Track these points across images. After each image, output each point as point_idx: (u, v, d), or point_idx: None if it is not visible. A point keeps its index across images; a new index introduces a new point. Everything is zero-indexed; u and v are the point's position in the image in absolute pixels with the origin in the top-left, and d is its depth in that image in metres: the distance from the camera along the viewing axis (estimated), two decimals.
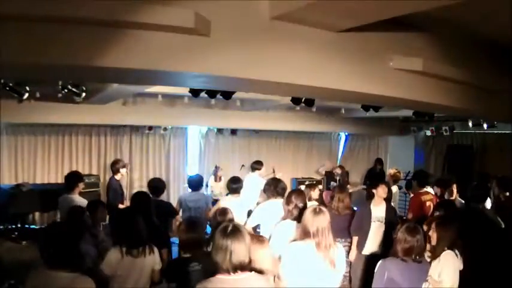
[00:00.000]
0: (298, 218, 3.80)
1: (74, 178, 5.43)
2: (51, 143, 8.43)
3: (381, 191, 5.33)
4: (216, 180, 8.34)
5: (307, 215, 3.30)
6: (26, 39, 2.21)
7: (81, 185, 5.41)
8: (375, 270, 3.37)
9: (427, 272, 3.32)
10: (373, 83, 3.48)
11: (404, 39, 3.59)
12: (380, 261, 3.39)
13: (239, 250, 2.35)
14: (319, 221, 3.22)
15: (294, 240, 3.48)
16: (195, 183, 6.00)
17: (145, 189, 5.87)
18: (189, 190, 6.02)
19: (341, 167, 10.01)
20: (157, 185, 5.47)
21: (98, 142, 8.86)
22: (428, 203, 5.53)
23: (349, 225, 5.31)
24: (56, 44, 2.28)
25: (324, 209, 3.36)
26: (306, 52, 3.06)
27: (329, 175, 10.42)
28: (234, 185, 5.57)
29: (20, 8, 2.08)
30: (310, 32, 3.02)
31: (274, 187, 4.79)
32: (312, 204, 4.31)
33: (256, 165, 7.79)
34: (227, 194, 7.76)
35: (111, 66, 2.46)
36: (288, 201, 4.03)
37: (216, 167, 8.61)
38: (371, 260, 4.53)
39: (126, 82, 4.68)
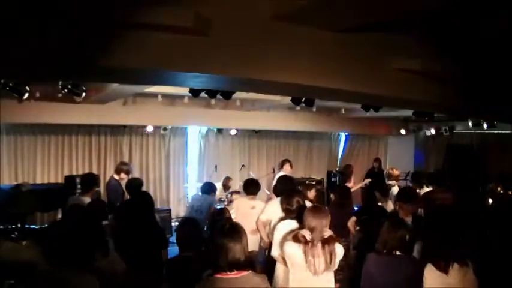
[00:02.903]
0: (297, 217, 3.85)
1: (91, 181, 5.40)
2: (51, 143, 8.43)
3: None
4: (225, 190, 8.25)
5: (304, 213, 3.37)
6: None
7: (95, 189, 5.38)
8: None
9: (407, 266, 3.32)
10: (373, 83, 3.48)
11: (404, 40, 3.59)
12: None
13: (235, 249, 2.37)
14: (313, 219, 3.26)
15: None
16: (204, 188, 6.36)
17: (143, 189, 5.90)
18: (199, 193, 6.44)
19: (348, 166, 9.89)
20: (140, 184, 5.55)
21: (98, 142, 8.85)
22: None
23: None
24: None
25: (320, 208, 3.39)
26: (306, 52, 3.06)
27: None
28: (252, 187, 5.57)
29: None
30: (310, 32, 3.02)
31: (284, 185, 4.82)
32: (306, 204, 4.33)
33: (283, 164, 8.18)
34: (230, 193, 7.84)
35: (112, 66, 2.46)
36: (289, 202, 4.03)
37: (227, 177, 8.52)
38: None
39: (127, 82, 4.68)
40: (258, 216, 4.72)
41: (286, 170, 7.99)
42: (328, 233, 3.31)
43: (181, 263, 3.27)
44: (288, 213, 4.01)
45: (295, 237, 3.33)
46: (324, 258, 3.19)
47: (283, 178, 5.34)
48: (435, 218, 3.90)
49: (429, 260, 3.18)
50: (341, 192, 5.68)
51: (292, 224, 3.90)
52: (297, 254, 3.24)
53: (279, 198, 4.80)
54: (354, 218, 5.15)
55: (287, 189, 4.65)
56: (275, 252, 3.89)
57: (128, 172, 6.43)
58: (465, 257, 3.16)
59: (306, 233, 3.30)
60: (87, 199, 5.08)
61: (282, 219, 4.11)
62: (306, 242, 3.23)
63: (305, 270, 3.20)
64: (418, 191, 5.85)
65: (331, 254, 3.23)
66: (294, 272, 3.31)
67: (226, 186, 8.23)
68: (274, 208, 4.63)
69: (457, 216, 4.13)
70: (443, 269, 3.10)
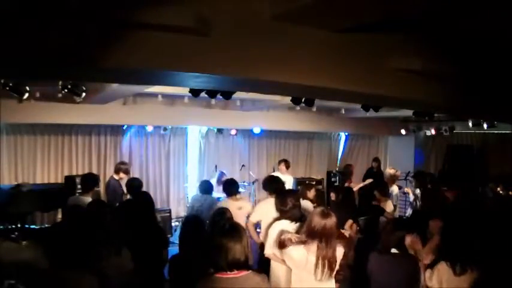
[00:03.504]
0: (293, 218, 3.88)
1: (91, 181, 5.39)
2: (51, 143, 8.43)
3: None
4: (219, 185, 8.25)
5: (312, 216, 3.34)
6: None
7: (95, 189, 5.38)
8: None
9: (407, 264, 3.33)
10: (373, 83, 3.48)
11: (404, 39, 3.59)
12: None
13: (235, 249, 2.38)
14: (320, 221, 3.23)
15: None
16: (203, 187, 6.35)
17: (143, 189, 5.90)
18: (199, 193, 6.38)
19: (348, 165, 9.90)
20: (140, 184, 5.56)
21: (97, 142, 8.85)
22: None
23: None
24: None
25: (328, 211, 3.35)
26: (306, 52, 3.06)
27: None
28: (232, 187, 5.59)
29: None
30: (310, 32, 3.02)
31: (272, 185, 4.81)
32: (305, 204, 4.32)
33: (279, 164, 8.27)
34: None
35: (112, 66, 2.46)
36: (283, 202, 4.03)
37: (221, 172, 8.53)
38: None
39: (126, 82, 4.68)
40: (249, 217, 4.70)
41: (282, 170, 8.02)
42: (346, 233, 3.34)
43: (182, 261, 3.28)
44: (283, 214, 4.01)
45: (283, 240, 3.34)
46: (328, 260, 3.19)
47: (271, 177, 5.35)
48: (454, 217, 3.93)
49: (443, 258, 3.19)
50: (344, 193, 5.68)
51: (286, 224, 3.90)
52: (299, 255, 3.23)
53: (270, 199, 4.82)
54: (350, 221, 5.15)
55: (273, 189, 4.67)
56: (269, 251, 3.88)
57: (126, 171, 6.43)
58: (479, 263, 3.15)
59: (293, 236, 3.32)
60: (87, 199, 5.07)
61: (276, 219, 4.10)
62: (304, 243, 3.23)
63: (307, 271, 3.19)
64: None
65: (334, 255, 3.22)
66: (295, 272, 3.31)
67: (220, 182, 8.24)
68: (265, 208, 4.63)
69: (473, 217, 4.14)
70: (455, 270, 3.10)
